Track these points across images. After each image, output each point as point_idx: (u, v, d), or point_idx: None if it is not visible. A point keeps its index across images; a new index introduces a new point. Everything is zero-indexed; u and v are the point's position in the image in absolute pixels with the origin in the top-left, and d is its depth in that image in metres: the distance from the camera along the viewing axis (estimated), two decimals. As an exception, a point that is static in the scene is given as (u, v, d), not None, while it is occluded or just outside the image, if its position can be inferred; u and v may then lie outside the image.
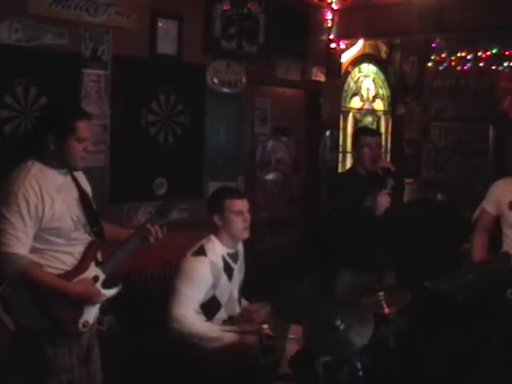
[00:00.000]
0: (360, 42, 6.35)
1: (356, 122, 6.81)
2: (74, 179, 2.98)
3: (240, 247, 3.55)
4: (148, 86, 4.53)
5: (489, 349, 3.51)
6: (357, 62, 6.57)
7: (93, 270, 2.93)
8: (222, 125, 5.13)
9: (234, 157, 5.23)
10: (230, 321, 3.38)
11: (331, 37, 5.90)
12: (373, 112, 7.07)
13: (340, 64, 6.18)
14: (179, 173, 4.73)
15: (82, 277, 2.89)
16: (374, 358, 3.00)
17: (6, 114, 3.75)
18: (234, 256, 3.46)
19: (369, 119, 7.02)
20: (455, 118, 7.54)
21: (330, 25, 5.86)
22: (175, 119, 4.72)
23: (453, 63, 7.23)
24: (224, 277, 3.36)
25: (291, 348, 3.16)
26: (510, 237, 3.77)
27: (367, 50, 6.67)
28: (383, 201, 3.88)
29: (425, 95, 7.49)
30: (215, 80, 5.01)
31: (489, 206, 3.88)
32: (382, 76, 7.07)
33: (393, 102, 7.22)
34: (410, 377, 3.32)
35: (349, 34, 5.91)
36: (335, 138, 6.30)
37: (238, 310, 3.48)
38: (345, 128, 6.64)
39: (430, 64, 7.32)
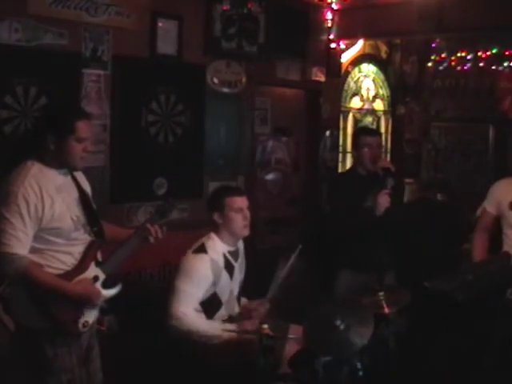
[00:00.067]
0: (360, 42, 6.35)
1: (356, 121, 6.81)
2: (74, 179, 2.98)
3: (240, 245, 3.55)
4: (148, 85, 4.53)
5: (489, 349, 3.51)
6: (357, 61, 6.57)
7: (93, 270, 2.93)
8: (221, 125, 5.13)
9: (234, 157, 5.23)
10: (229, 320, 3.38)
11: (331, 37, 5.90)
12: (373, 112, 7.07)
13: (340, 64, 6.18)
14: (179, 173, 4.73)
15: (81, 277, 2.89)
16: (374, 358, 3.00)
17: (5, 114, 3.75)
18: (234, 254, 3.46)
19: (369, 119, 7.02)
20: (455, 117, 7.54)
21: (330, 25, 5.86)
22: (175, 119, 4.72)
23: (453, 63, 7.24)
24: (225, 274, 3.36)
25: (291, 348, 3.16)
26: (511, 237, 3.77)
27: (367, 50, 6.67)
28: (383, 201, 3.88)
29: (425, 95, 7.49)
30: (215, 80, 5.01)
31: (489, 206, 3.88)
32: (381, 76, 7.07)
33: (393, 102, 7.22)
34: (409, 377, 3.32)
35: (349, 33, 5.91)
36: (335, 138, 6.30)
37: (237, 308, 3.48)
38: (345, 128, 6.64)
39: (430, 64, 7.32)
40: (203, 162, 4.95)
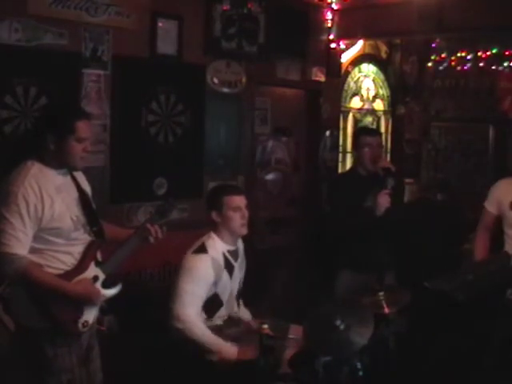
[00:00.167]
0: (360, 42, 6.35)
1: (356, 121, 6.80)
2: (74, 179, 2.98)
3: (240, 245, 3.55)
4: (148, 86, 4.53)
5: (489, 349, 3.51)
6: (357, 61, 6.56)
7: (92, 270, 2.93)
8: (221, 125, 5.13)
9: (234, 157, 5.23)
10: (229, 320, 3.39)
11: (331, 37, 5.90)
12: (373, 112, 7.06)
13: (340, 64, 6.18)
14: (179, 173, 4.73)
15: (81, 277, 2.89)
16: (374, 358, 3.00)
17: (5, 114, 3.75)
18: (234, 253, 3.46)
19: (369, 119, 7.02)
20: (455, 117, 7.54)
21: (330, 25, 5.85)
22: (175, 119, 4.72)
23: (453, 63, 7.23)
24: (225, 274, 3.36)
25: (291, 348, 3.16)
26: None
27: (367, 50, 6.67)
28: (383, 201, 3.88)
29: (425, 95, 7.49)
30: (215, 80, 5.01)
31: (490, 205, 3.89)
32: (381, 76, 7.06)
33: (393, 102, 7.22)
34: (410, 377, 3.32)
35: (349, 33, 5.90)
36: (335, 138, 6.29)
37: (236, 308, 3.49)
38: (345, 128, 6.63)
39: (430, 64, 7.32)
40: (203, 161, 4.95)
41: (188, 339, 3.18)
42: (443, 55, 7.19)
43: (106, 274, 2.97)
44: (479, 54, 7.08)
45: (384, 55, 6.98)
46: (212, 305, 3.33)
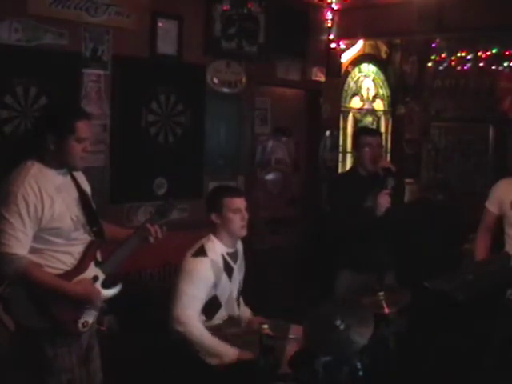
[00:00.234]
0: (360, 42, 6.35)
1: (356, 121, 6.81)
2: (74, 179, 2.98)
3: (239, 247, 3.55)
4: (148, 85, 4.53)
5: (489, 349, 3.51)
6: (357, 61, 6.57)
7: (92, 270, 2.93)
8: (222, 125, 5.13)
9: (234, 157, 5.23)
10: (230, 320, 3.39)
11: (331, 37, 5.90)
12: (373, 112, 7.06)
13: (340, 64, 6.18)
14: (179, 173, 4.73)
15: (81, 277, 2.88)
16: (374, 358, 3.00)
17: (5, 114, 3.75)
18: (233, 255, 3.45)
19: (369, 119, 7.02)
20: (455, 117, 7.54)
21: (330, 25, 5.86)
22: (175, 119, 4.72)
23: (453, 63, 7.24)
24: (224, 276, 3.35)
25: (291, 348, 3.16)
26: (512, 236, 3.78)
27: (367, 50, 6.67)
28: (384, 201, 3.87)
29: (425, 95, 7.49)
30: (215, 80, 5.01)
31: (491, 205, 3.89)
32: (381, 76, 7.06)
33: (393, 102, 7.22)
34: (410, 377, 3.32)
35: (349, 33, 5.91)
36: (335, 138, 6.30)
37: (236, 309, 3.48)
38: (345, 128, 6.63)
39: (430, 64, 7.32)
40: (203, 162, 4.95)
41: (188, 342, 3.18)
42: (443, 55, 7.19)
43: (105, 274, 2.96)
44: (479, 54, 7.08)
45: (384, 55, 6.99)
46: (211, 307, 3.32)
